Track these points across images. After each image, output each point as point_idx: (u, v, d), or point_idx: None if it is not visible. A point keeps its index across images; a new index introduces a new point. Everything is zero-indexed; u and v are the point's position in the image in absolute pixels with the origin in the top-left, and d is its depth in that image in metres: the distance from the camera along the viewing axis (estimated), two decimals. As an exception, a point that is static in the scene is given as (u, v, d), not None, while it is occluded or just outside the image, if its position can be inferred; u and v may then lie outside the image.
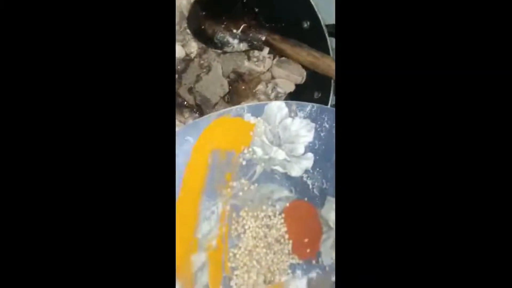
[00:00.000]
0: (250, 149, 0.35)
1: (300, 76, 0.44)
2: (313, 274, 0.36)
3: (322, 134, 0.38)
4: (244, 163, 0.35)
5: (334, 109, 0.38)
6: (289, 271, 0.35)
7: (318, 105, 0.38)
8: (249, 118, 0.35)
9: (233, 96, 0.45)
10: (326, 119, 0.38)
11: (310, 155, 0.38)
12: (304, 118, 0.37)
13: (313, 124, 0.38)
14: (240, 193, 0.35)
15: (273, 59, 0.44)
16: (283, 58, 0.44)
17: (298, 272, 0.36)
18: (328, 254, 0.37)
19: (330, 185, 0.38)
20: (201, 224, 0.33)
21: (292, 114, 0.37)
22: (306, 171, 0.37)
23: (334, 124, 0.39)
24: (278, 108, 0.36)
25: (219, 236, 0.33)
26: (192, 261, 0.32)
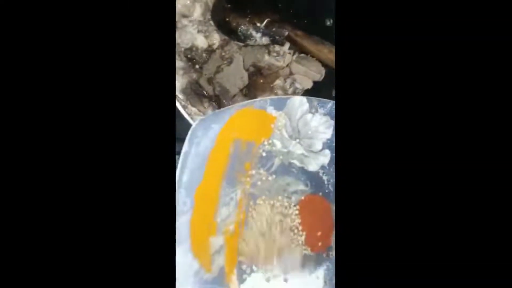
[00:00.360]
0: (270, 141, 0.36)
1: (318, 73, 0.44)
2: (323, 266, 0.37)
3: (340, 132, 0.39)
4: (263, 154, 0.36)
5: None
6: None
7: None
8: (271, 111, 0.36)
9: (251, 89, 0.45)
10: (345, 117, 0.39)
11: (327, 151, 0.38)
12: (324, 115, 0.38)
13: (332, 122, 0.39)
14: (259, 183, 0.36)
15: (293, 55, 0.44)
16: (303, 54, 0.44)
17: (309, 264, 0.37)
18: (338, 249, 0.38)
19: (345, 182, 0.39)
20: (220, 209, 0.34)
21: (313, 110, 0.38)
22: (323, 167, 0.38)
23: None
24: (300, 103, 0.37)
25: (236, 222, 0.35)
26: (211, 242, 0.33)
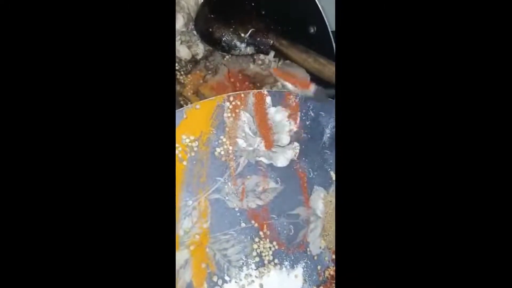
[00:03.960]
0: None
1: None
2: (301, 264, 0.36)
3: (307, 123, 0.37)
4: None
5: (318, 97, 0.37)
6: (277, 260, 0.35)
7: (302, 92, 0.37)
8: (231, 109, 0.34)
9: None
10: (311, 107, 0.37)
11: (296, 144, 0.37)
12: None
13: (298, 113, 0.37)
14: (225, 187, 0.34)
15: (278, 62, 0.44)
16: (288, 61, 0.43)
17: (286, 263, 0.35)
18: (316, 244, 0.37)
19: (317, 174, 0.37)
20: (182, 221, 0.32)
21: (276, 103, 0.36)
22: (292, 161, 0.36)
23: (320, 112, 0.38)
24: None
25: (202, 232, 0.33)
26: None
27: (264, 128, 0.36)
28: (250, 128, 0.35)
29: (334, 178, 0.38)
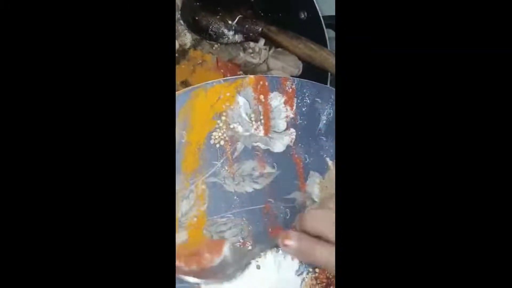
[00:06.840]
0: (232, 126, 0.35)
1: (296, 68, 0.44)
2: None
3: (303, 109, 0.37)
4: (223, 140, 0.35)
5: (314, 83, 0.38)
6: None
7: (298, 79, 0.37)
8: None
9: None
10: (307, 93, 0.38)
11: (292, 130, 0.37)
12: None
13: (294, 99, 0.37)
14: (221, 171, 0.35)
15: (269, 50, 0.44)
16: (279, 49, 0.43)
17: (282, 246, 0.36)
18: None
19: (313, 160, 0.38)
20: (180, 203, 0.33)
21: (272, 89, 0.36)
22: (289, 147, 0.37)
23: (316, 99, 0.38)
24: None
25: (199, 214, 0.33)
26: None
27: (265, 114, 0.36)
28: (246, 113, 0.36)
29: (329, 164, 0.39)
